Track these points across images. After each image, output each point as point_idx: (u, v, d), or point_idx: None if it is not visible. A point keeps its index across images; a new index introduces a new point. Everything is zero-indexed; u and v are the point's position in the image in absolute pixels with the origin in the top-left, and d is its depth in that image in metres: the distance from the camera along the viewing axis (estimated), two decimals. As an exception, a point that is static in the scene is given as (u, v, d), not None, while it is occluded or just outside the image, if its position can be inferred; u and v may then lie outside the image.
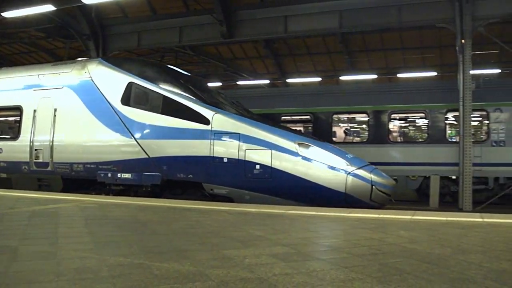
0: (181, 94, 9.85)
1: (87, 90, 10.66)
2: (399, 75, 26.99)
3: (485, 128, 14.95)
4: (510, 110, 14.24)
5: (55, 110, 10.94)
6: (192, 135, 9.33)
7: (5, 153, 11.57)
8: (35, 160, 11.02)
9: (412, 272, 3.22)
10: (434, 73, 26.16)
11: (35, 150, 11.03)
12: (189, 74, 12.16)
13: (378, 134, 15.13)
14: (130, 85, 10.20)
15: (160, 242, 4.32)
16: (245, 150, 8.83)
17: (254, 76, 30.55)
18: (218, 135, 9.09)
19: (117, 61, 11.56)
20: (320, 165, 8.61)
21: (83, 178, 10.64)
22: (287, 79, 29.25)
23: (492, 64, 23.45)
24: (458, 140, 14.08)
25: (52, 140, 10.81)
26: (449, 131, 15.62)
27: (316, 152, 8.76)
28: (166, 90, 9.95)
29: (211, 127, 9.17)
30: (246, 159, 8.81)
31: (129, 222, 5.73)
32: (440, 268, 3.37)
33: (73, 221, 5.65)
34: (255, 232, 4.93)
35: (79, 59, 12.28)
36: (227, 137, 9.05)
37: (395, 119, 15.88)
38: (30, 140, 11.15)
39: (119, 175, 10.02)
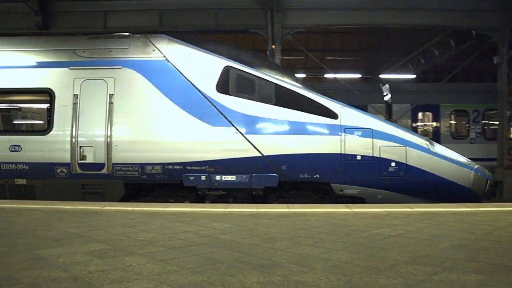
0: (295, 84, 8.65)
1: (163, 73, 8.54)
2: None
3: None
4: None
5: (111, 96, 8.45)
6: (318, 130, 8.29)
7: (27, 152, 8.51)
8: (80, 161, 8.37)
9: (225, 261, 3.39)
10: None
11: (80, 147, 8.40)
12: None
13: None
14: (227, 70, 8.48)
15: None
16: (379, 146, 8.15)
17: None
18: (350, 130, 8.21)
19: (192, 40, 9.31)
20: (450, 161, 8.41)
21: (160, 182, 8.55)
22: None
23: (298, 69, 25.74)
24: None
25: (110, 135, 8.31)
26: None
27: (441, 149, 8.65)
28: (275, 77, 8.57)
29: (340, 122, 8.24)
30: (381, 156, 8.14)
31: None
32: (250, 256, 3.60)
33: None
34: (71, 230, 4.73)
35: (125, 33, 9.60)
36: (360, 133, 8.21)
37: None
38: (72, 134, 8.39)
39: (217, 177, 8.22)
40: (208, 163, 8.20)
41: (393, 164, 8.14)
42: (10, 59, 9.00)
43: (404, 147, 8.20)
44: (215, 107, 8.28)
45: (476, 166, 8.59)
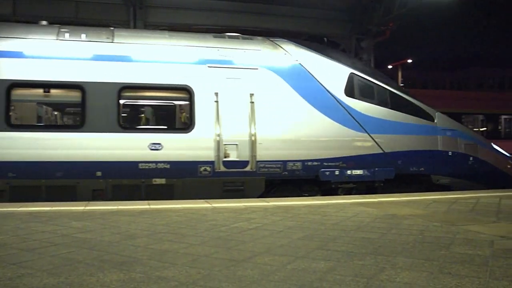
0: (402, 91, 10.18)
1: (298, 76, 9.17)
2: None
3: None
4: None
5: (251, 95, 8.75)
6: (423, 131, 9.88)
7: (169, 151, 8.31)
8: (224, 159, 8.44)
9: (83, 261, 3.36)
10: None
11: (224, 145, 8.45)
12: None
13: None
14: (351, 76, 9.53)
15: None
16: (464, 144, 10.14)
17: None
18: (444, 131, 10.03)
19: (312, 46, 10.06)
20: (502, 155, 10.86)
21: (298, 178, 9.06)
22: None
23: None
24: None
25: (255, 133, 8.64)
26: None
27: (495, 146, 10.82)
28: (388, 85, 9.94)
29: (437, 124, 10.04)
30: (465, 152, 10.12)
31: None
32: (110, 254, 3.60)
33: None
34: None
35: (240, 35, 9.76)
36: (450, 133, 10.09)
37: None
38: (216, 132, 8.47)
39: (348, 172, 9.20)
40: (342, 159, 9.18)
41: (471, 158, 10.24)
42: (142, 53, 8.68)
43: (477, 144, 10.41)
44: (345, 109, 9.29)
45: None
